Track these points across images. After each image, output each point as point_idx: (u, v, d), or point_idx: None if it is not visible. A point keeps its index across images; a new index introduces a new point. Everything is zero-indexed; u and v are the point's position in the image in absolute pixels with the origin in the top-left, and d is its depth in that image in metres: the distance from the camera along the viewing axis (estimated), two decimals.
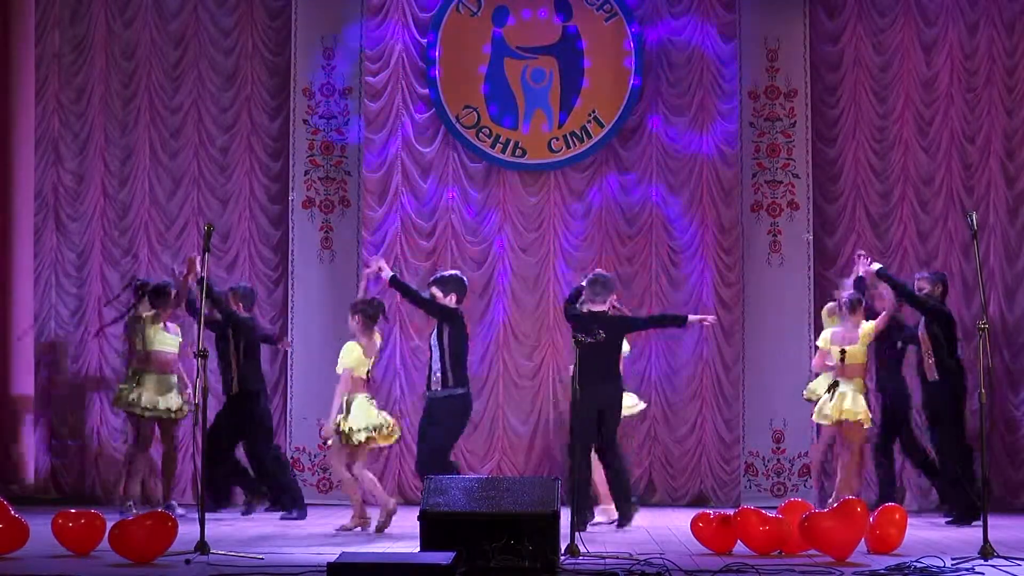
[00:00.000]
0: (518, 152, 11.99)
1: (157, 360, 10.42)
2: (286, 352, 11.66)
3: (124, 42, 12.15)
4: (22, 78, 11.84)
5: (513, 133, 12.00)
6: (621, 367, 9.99)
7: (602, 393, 9.52)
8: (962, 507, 10.08)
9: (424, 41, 12.05)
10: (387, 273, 9.96)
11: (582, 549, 7.76)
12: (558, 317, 11.48)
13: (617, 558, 7.69)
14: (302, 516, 10.32)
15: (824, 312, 11.06)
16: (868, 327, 10.36)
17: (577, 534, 7.87)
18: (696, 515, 8.46)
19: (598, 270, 10.32)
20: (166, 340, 10.47)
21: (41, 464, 11.64)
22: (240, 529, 9.65)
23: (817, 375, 10.83)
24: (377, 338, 9.84)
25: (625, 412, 10.12)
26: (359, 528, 9.50)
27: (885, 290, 10.37)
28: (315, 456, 11.75)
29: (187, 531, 8.09)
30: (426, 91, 12.05)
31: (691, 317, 10.23)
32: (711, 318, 10.48)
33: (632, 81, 11.97)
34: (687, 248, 11.95)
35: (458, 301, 9.85)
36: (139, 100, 12.12)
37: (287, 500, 10.55)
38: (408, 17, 12.10)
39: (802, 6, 11.99)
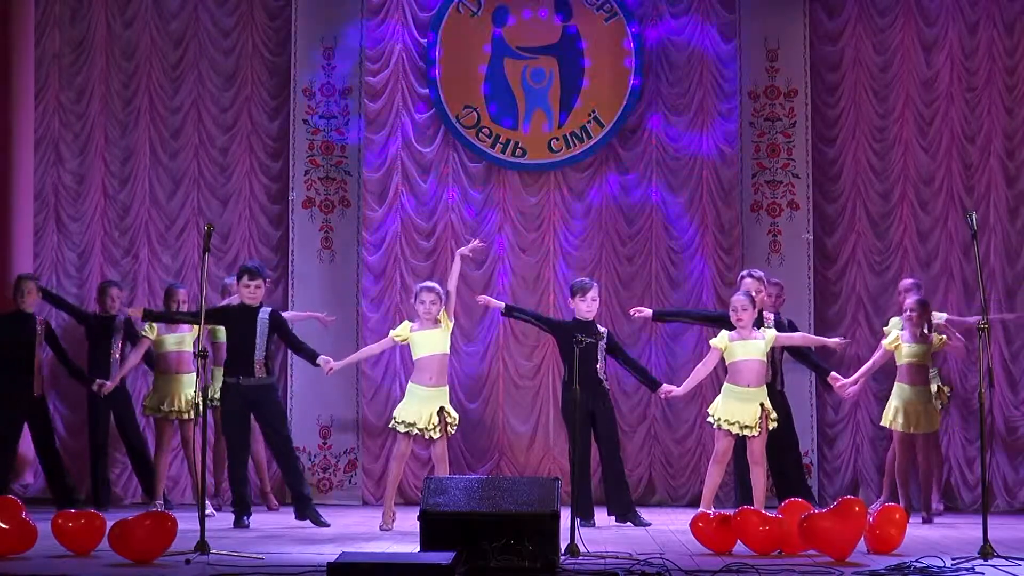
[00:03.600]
0: (518, 152, 11.99)
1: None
2: (287, 351, 11.64)
3: (124, 42, 12.16)
4: (22, 78, 11.83)
5: (513, 133, 12.00)
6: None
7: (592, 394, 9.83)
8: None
9: (424, 41, 12.05)
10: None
11: (582, 549, 7.76)
12: (558, 317, 11.47)
13: (617, 558, 7.70)
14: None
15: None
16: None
17: (577, 534, 7.87)
18: (696, 515, 8.47)
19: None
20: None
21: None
22: (240, 529, 9.66)
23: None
24: None
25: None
26: None
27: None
28: (315, 456, 11.75)
29: (187, 530, 8.10)
30: (426, 91, 12.05)
31: (661, 389, 10.30)
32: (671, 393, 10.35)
33: (632, 81, 11.98)
34: (687, 248, 11.95)
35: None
36: (139, 100, 12.12)
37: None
38: (408, 17, 12.10)
39: (802, 6, 11.99)
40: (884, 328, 11.06)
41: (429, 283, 10.06)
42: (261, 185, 12.13)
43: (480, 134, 11.98)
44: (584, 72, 12.04)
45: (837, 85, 12.09)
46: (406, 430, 9.75)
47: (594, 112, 11.99)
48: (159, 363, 10.77)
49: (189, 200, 12.09)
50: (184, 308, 10.82)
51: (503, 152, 11.99)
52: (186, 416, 10.61)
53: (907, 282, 11.08)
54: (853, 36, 12.09)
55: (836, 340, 10.22)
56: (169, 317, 10.43)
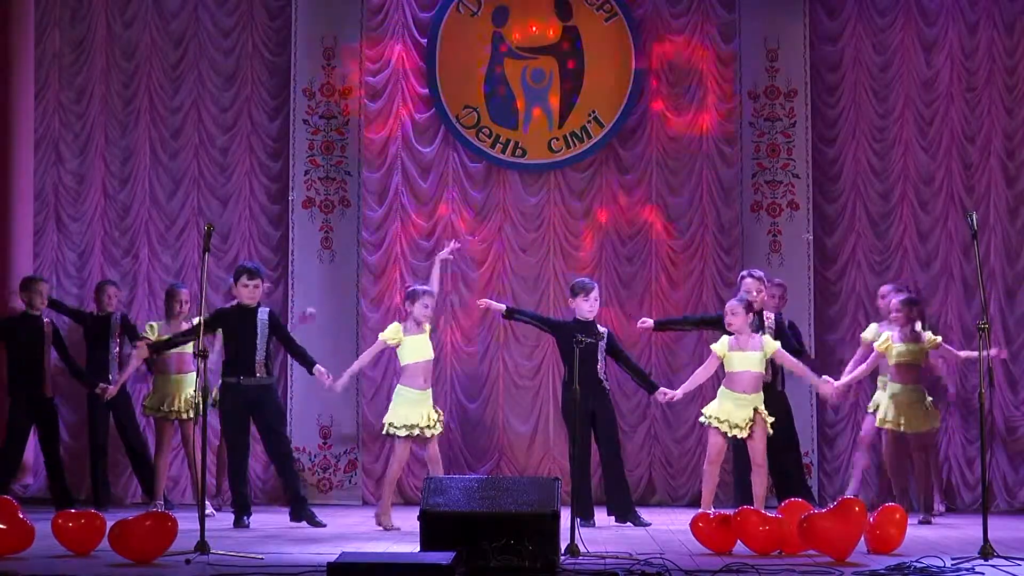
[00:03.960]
0: (518, 152, 11.99)
1: None
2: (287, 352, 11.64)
3: (124, 42, 12.17)
4: (22, 78, 11.83)
5: (513, 133, 12.00)
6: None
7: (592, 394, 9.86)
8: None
9: (424, 41, 12.06)
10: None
11: (582, 549, 7.76)
12: (559, 317, 11.47)
13: (617, 558, 7.70)
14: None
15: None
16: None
17: (577, 534, 7.87)
18: (696, 515, 8.47)
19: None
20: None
21: (42, 466, 11.60)
22: (240, 529, 9.66)
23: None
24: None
25: None
26: None
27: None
28: (315, 456, 11.75)
29: (187, 530, 8.09)
30: (426, 91, 12.05)
31: (659, 392, 10.20)
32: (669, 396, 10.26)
33: (632, 81, 11.97)
34: (687, 248, 11.96)
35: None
36: (139, 100, 12.13)
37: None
38: (408, 17, 12.10)
39: (802, 6, 11.99)
40: (862, 335, 11.05)
41: (428, 287, 10.04)
42: (261, 185, 12.13)
43: (480, 134, 11.98)
44: (584, 72, 12.04)
45: (837, 85, 12.09)
46: (407, 432, 9.69)
47: (594, 112, 11.99)
48: (159, 363, 10.76)
49: (189, 200, 12.09)
50: (186, 307, 10.78)
51: (503, 152, 11.99)
52: (185, 416, 10.60)
53: (885, 288, 11.15)
54: (853, 36, 12.09)
55: (829, 385, 10.10)
56: (171, 343, 10.26)
